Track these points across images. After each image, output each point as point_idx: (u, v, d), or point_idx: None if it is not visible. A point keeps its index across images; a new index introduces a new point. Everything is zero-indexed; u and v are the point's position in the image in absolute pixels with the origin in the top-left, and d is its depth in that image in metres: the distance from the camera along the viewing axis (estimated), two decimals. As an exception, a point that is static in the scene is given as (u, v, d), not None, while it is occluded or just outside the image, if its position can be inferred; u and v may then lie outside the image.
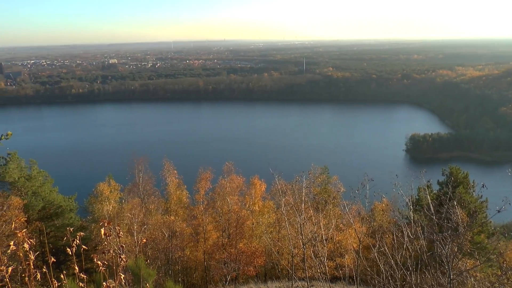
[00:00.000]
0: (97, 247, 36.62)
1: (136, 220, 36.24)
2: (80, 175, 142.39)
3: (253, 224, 42.04)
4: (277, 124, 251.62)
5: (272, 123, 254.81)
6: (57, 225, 46.16)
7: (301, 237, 21.96)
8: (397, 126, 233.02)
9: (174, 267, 40.29)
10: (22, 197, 42.37)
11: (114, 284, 6.43)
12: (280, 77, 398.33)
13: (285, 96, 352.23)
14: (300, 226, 22.60)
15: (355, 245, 27.83)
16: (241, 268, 35.32)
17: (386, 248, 17.37)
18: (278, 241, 36.31)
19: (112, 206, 44.12)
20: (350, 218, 26.63)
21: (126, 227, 37.39)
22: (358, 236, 21.34)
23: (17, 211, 36.43)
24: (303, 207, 23.82)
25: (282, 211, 26.25)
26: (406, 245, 15.81)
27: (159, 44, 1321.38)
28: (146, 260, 17.42)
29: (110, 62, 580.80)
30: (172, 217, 42.13)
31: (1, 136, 7.60)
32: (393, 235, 18.68)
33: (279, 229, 39.75)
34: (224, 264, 35.91)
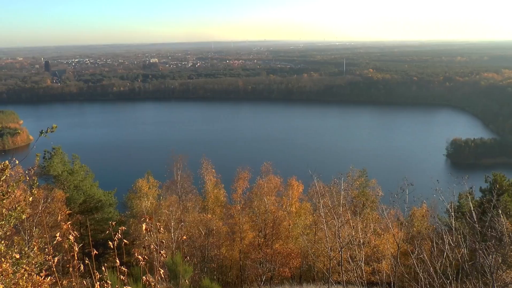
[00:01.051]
0: (134, 242, 37.42)
1: (174, 217, 36.89)
2: (120, 171, 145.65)
3: (289, 225, 41.99)
4: (316, 125, 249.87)
5: (311, 124, 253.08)
6: (97, 218, 47.52)
7: (338, 240, 21.90)
8: (438, 130, 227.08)
9: (210, 265, 40.71)
10: (64, 190, 43.76)
11: (152, 279, 6.65)
12: (320, 78, 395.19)
13: (325, 97, 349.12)
14: (338, 229, 22.53)
15: (392, 251, 27.52)
16: (276, 268, 35.43)
17: (425, 255, 17.14)
18: (314, 243, 36.19)
19: (150, 202, 44.96)
20: (388, 223, 26.35)
21: (163, 224, 38.03)
22: (396, 242, 21.13)
23: (60, 204, 37.63)
24: (341, 210, 23.74)
25: (319, 213, 26.20)
26: (446, 253, 15.52)
27: (200, 44, 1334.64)
28: (185, 257, 17.73)
29: (151, 61, 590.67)
30: (209, 215, 42.52)
31: (47, 129, 7.97)
32: (432, 242, 18.41)
33: (315, 231, 39.59)
34: (260, 264, 36.08)
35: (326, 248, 25.75)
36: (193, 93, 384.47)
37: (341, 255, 21.49)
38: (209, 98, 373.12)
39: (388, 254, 28.69)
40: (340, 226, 22.80)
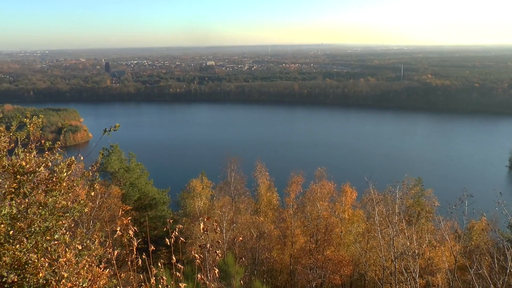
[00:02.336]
0: (187, 241, 38.07)
1: (226, 218, 37.25)
2: (174, 170, 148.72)
3: (341, 232, 41.44)
4: (371, 131, 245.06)
5: (366, 130, 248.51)
6: (150, 216, 48.75)
7: (392, 249, 21.40)
8: (501, 140, 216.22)
9: (260, 267, 40.82)
10: (120, 187, 45.24)
11: (206, 278, 6.73)
12: (377, 83, 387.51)
13: (381, 102, 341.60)
14: (392, 239, 22.02)
15: (448, 264, 26.54)
16: (327, 275, 35.01)
17: (484, 271, 16.41)
18: (366, 251, 35.54)
19: (204, 203, 45.62)
20: (444, 235, 25.43)
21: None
22: (453, 255, 20.38)
23: (116, 200, 38.92)
24: (395, 219, 23.20)
25: (373, 221, 25.70)
26: (509, 270, 14.78)
27: (257, 48, 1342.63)
28: (240, 258, 17.87)
29: (207, 64, 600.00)
30: (261, 218, 42.66)
31: (110, 128, 8.26)
32: (492, 258, 17.60)
33: (368, 239, 38.85)
34: (310, 270, 35.79)
35: (379, 257, 25.21)
36: (248, 96, 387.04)
37: (394, 265, 20.98)
38: (264, 101, 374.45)
39: (443, 268, 27.67)
40: (394, 235, 22.26)
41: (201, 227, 6.82)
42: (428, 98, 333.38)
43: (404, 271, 21.50)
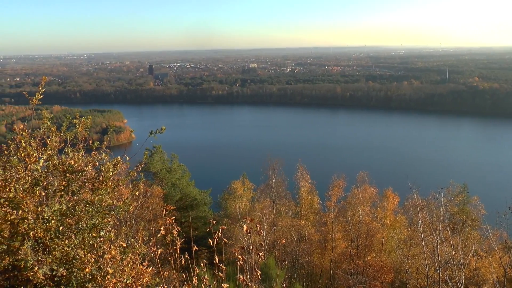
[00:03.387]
0: (227, 242, 38.26)
1: (267, 220, 37.28)
2: (216, 172, 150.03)
3: (383, 238, 40.74)
4: (415, 135, 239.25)
5: (410, 134, 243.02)
6: (191, 216, 49.37)
7: (436, 258, 20.86)
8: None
9: (300, 271, 40.63)
10: (162, 187, 46.04)
11: (247, 280, 6.76)
12: (421, 86, 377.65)
13: (425, 106, 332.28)
14: (436, 247, 21.48)
15: (496, 276, 25.59)
16: (367, 281, 34.45)
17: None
18: (409, 259, 34.75)
19: (245, 204, 45.78)
20: (492, 245, 24.56)
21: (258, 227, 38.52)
22: (502, 266, 19.66)
23: (157, 200, 39.61)
24: (439, 226, 22.62)
25: (416, 228, 25.13)
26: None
27: (299, 50, 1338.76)
28: (283, 261, 17.87)
29: (250, 66, 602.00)
30: (302, 221, 42.49)
31: (156, 130, 8.47)
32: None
33: (410, 246, 38.00)
34: (351, 275, 35.31)
35: (422, 265, 24.61)
36: (290, 99, 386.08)
37: (439, 274, 20.44)
38: (306, 104, 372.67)
39: (491, 279, 26.69)
40: (439, 243, 21.69)
41: (245, 229, 6.87)
42: (475, 102, 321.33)
43: (448, 281, 20.91)
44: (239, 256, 6.70)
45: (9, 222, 7.33)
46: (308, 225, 43.13)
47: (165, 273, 7.26)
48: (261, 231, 6.82)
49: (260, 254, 6.77)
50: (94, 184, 8.20)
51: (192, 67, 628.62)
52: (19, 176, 7.66)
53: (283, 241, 36.68)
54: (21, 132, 7.79)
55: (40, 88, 8.51)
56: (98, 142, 8.58)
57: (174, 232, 6.82)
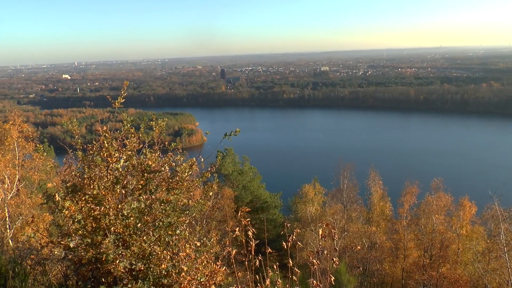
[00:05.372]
0: (300, 246, 38.18)
1: (338, 225, 36.85)
2: (286, 175, 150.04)
3: (458, 249, 38.90)
4: (495, 141, 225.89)
5: (488, 139, 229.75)
6: (262, 218, 49.70)
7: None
8: None
9: (371, 279, 39.74)
10: (233, 189, 46.75)
11: (320, 285, 6.72)
12: (501, 88, 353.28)
13: (506, 110, 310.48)
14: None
15: None
16: (442, 294, 33.10)
17: None
18: (488, 272, 32.91)
19: (315, 209, 45.52)
20: None
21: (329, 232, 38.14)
22: None
23: (228, 201, 40.26)
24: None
25: (498, 239, 23.76)
26: None
27: (372, 52, 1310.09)
28: (357, 268, 17.61)
29: (321, 69, 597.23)
30: (374, 228, 41.60)
31: (231, 132, 8.66)
32: None
33: (489, 259, 35.95)
34: (423, 286, 34.12)
35: (505, 281, 23.21)
36: (362, 102, 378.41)
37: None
38: (378, 107, 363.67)
39: None
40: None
41: (320, 233, 6.86)
42: None
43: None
44: (314, 260, 6.68)
45: (92, 217, 7.80)
46: (380, 232, 42.17)
47: (239, 273, 7.39)
48: (336, 236, 6.76)
49: (335, 259, 6.72)
50: (170, 184, 8.53)
51: (263, 70, 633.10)
52: (102, 174, 8.13)
53: (358, 247, 36.09)
54: (104, 134, 8.24)
55: (122, 92, 8.96)
56: (175, 143, 8.92)
57: (249, 233, 6.93)
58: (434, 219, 38.43)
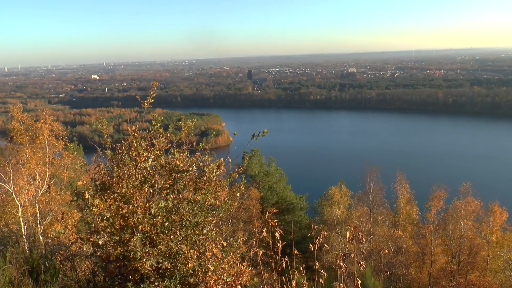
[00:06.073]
0: (322, 248, 37.96)
1: (363, 228, 36.51)
2: (312, 177, 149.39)
3: (488, 256, 38.02)
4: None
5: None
6: (287, 220, 49.58)
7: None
8: None
9: (397, 283, 39.23)
10: (259, 190, 46.76)
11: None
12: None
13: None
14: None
15: None
16: (470, 301, 32.40)
17: None
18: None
19: (341, 211, 45.25)
20: None
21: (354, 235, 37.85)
22: None
23: (254, 202, 40.29)
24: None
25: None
26: None
27: (399, 53, 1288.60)
28: (385, 272, 17.43)
29: (349, 70, 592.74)
30: (400, 232, 41.05)
31: (259, 133, 8.68)
32: None
33: (520, 267, 35.01)
34: (451, 292, 33.50)
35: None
36: (389, 104, 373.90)
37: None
38: (406, 109, 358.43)
39: None
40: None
41: (348, 235, 6.81)
42: None
43: None
44: (341, 263, 6.63)
45: (120, 215, 7.92)
46: (406, 236, 41.59)
47: (265, 274, 7.39)
48: (363, 239, 6.69)
49: (362, 263, 6.65)
50: (197, 184, 8.59)
51: (290, 71, 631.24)
52: (130, 173, 8.25)
53: (386, 251, 35.67)
54: (133, 133, 8.36)
55: (151, 92, 9.10)
56: (203, 144, 8.98)
57: (277, 234, 6.93)
58: (462, 224, 37.71)
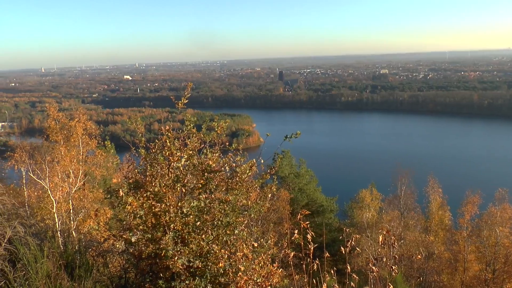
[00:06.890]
0: (351, 252, 37.57)
1: (394, 233, 35.93)
2: (342, 179, 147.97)
3: (525, 265, 36.90)
4: None
5: None
6: (317, 222, 49.30)
7: None
8: None
9: (428, 290, 38.49)
10: (289, 191, 46.66)
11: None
12: None
13: None
14: None
15: None
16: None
17: None
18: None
19: (372, 214, 44.77)
20: None
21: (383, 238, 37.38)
22: None
23: (284, 203, 40.23)
24: None
25: None
26: None
27: (433, 54, 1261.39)
28: (418, 278, 17.17)
29: (381, 72, 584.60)
30: (432, 237, 40.27)
31: (291, 135, 8.67)
32: None
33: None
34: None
35: None
36: (422, 106, 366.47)
37: None
38: (439, 112, 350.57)
39: None
40: None
41: (380, 239, 6.72)
42: None
43: None
44: (373, 267, 6.54)
45: (153, 214, 8.03)
46: (438, 242, 40.76)
47: (296, 276, 7.37)
48: (395, 243, 6.60)
49: (394, 267, 6.55)
50: (229, 184, 8.64)
51: (322, 73, 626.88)
52: (163, 172, 8.36)
53: (419, 256, 35.08)
54: (167, 133, 8.46)
55: (185, 93, 9.23)
56: (235, 144, 9.02)
57: (308, 236, 6.91)
58: (498, 231, 36.63)
